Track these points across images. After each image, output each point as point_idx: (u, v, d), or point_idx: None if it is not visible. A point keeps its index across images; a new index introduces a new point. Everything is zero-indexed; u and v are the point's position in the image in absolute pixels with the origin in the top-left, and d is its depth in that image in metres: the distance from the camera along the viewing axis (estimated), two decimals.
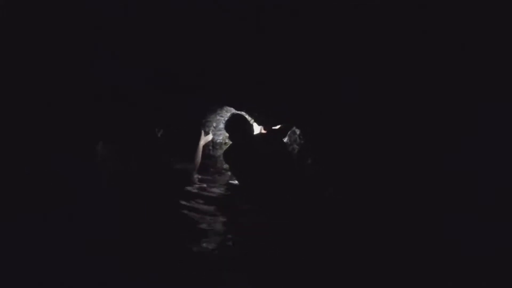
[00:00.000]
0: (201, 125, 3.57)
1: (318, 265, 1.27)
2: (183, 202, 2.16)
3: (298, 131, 3.01)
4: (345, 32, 1.48)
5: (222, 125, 3.81)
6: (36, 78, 1.57)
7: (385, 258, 1.25)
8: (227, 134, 3.36)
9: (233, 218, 1.92)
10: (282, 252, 1.39)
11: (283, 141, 2.76)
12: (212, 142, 3.82)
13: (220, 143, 3.93)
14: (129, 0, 1.47)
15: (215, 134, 3.87)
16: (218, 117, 3.86)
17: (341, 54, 1.61)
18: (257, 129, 3.21)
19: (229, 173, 3.31)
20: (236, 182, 2.81)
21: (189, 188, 2.64)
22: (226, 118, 3.19)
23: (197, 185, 2.79)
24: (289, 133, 3.05)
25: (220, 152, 3.76)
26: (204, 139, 3.39)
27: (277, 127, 2.73)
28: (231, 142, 2.74)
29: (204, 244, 1.49)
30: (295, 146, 3.18)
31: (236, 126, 2.58)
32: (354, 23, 1.42)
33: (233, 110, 3.15)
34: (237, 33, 1.66)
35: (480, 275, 1.04)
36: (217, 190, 2.70)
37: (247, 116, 2.91)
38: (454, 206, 1.22)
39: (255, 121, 3.03)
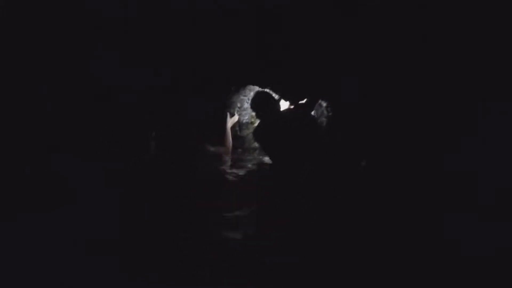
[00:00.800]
0: (225, 108, 3.53)
1: (318, 264, 1.27)
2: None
3: (324, 104, 2.97)
4: (345, 32, 1.48)
5: (246, 105, 3.79)
6: (36, 78, 1.57)
7: (385, 258, 1.25)
8: (253, 114, 3.35)
9: (241, 215, 1.91)
10: (284, 251, 1.39)
11: (311, 114, 2.74)
12: (239, 123, 3.80)
13: (247, 123, 3.90)
14: (129, 0, 1.47)
15: (241, 114, 3.84)
16: (241, 97, 3.81)
17: (342, 54, 1.61)
18: (284, 105, 3.18)
19: (257, 152, 3.33)
20: (267, 160, 2.80)
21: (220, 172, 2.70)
22: (250, 97, 3.16)
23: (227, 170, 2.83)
24: (316, 106, 3.00)
25: (247, 132, 3.77)
26: (231, 121, 3.41)
27: (303, 101, 2.70)
28: (258, 121, 2.72)
29: (205, 244, 1.49)
30: (323, 119, 3.16)
31: (261, 104, 2.57)
32: (354, 23, 1.42)
33: (256, 88, 3.12)
34: (238, 33, 1.66)
35: (480, 275, 1.04)
36: (244, 172, 2.73)
37: (272, 93, 2.88)
38: (454, 206, 1.22)
39: (280, 96, 3.00)
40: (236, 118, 3.58)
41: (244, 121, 3.89)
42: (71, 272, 1.15)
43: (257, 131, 2.68)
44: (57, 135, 1.71)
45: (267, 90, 2.90)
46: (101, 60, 1.76)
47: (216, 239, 1.55)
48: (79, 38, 1.60)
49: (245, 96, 3.79)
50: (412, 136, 1.45)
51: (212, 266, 1.28)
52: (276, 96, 2.95)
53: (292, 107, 2.88)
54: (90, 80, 1.81)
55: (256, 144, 3.22)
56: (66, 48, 1.61)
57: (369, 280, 1.14)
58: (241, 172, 2.73)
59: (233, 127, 3.54)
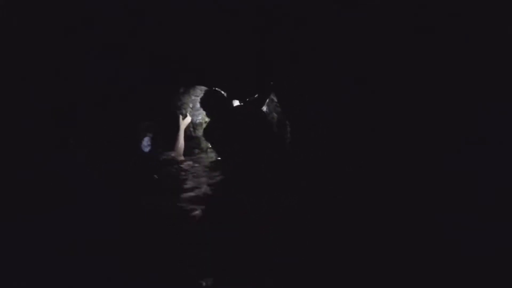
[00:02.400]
0: (176, 110, 3.55)
1: (316, 265, 1.27)
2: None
3: (275, 99, 2.96)
4: (345, 32, 1.48)
5: (198, 105, 3.69)
6: (36, 77, 1.57)
7: (385, 258, 1.25)
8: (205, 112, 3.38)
9: (229, 213, 1.91)
10: (281, 249, 1.39)
11: (261, 111, 2.74)
12: (192, 123, 3.82)
13: (200, 123, 3.91)
14: (129, 0, 1.47)
15: (194, 114, 3.84)
16: (193, 97, 3.84)
17: (341, 54, 1.61)
18: (234, 102, 3.18)
19: (213, 151, 3.32)
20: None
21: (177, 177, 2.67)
22: (201, 97, 3.20)
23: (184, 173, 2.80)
24: (267, 101, 3.01)
25: (202, 132, 3.78)
26: (183, 123, 3.40)
27: (254, 97, 2.70)
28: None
29: (205, 243, 1.49)
30: (274, 114, 3.17)
31: (211, 102, 2.59)
32: (354, 23, 1.42)
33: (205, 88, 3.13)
34: (237, 32, 1.66)
35: (480, 275, 1.04)
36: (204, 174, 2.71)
37: (222, 91, 2.87)
38: (454, 206, 1.22)
39: (229, 94, 2.99)
40: (188, 119, 3.58)
41: (198, 121, 3.90)
42: (71, 272, 1.15)
43: (206, 130, 2.68)
44: (57, 135, 1.71)
45: (216, 89, 2.89)
46: (101, 60, 1.76)
47: (215, 239, 1.55)
48: (79, 38, 1.61)
49: (196, 96, 3.80)
50: (412, 136, 1.45)
51: (212, 266, 1.28)
52: (225, 94, 2.93)
53: (242, 104, 2.87)
54: (89, 79, 1.81)
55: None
56: (66, 48, 1.61)
57: (369, 280, 1.14)
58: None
59: (187, 129, 3.55)
